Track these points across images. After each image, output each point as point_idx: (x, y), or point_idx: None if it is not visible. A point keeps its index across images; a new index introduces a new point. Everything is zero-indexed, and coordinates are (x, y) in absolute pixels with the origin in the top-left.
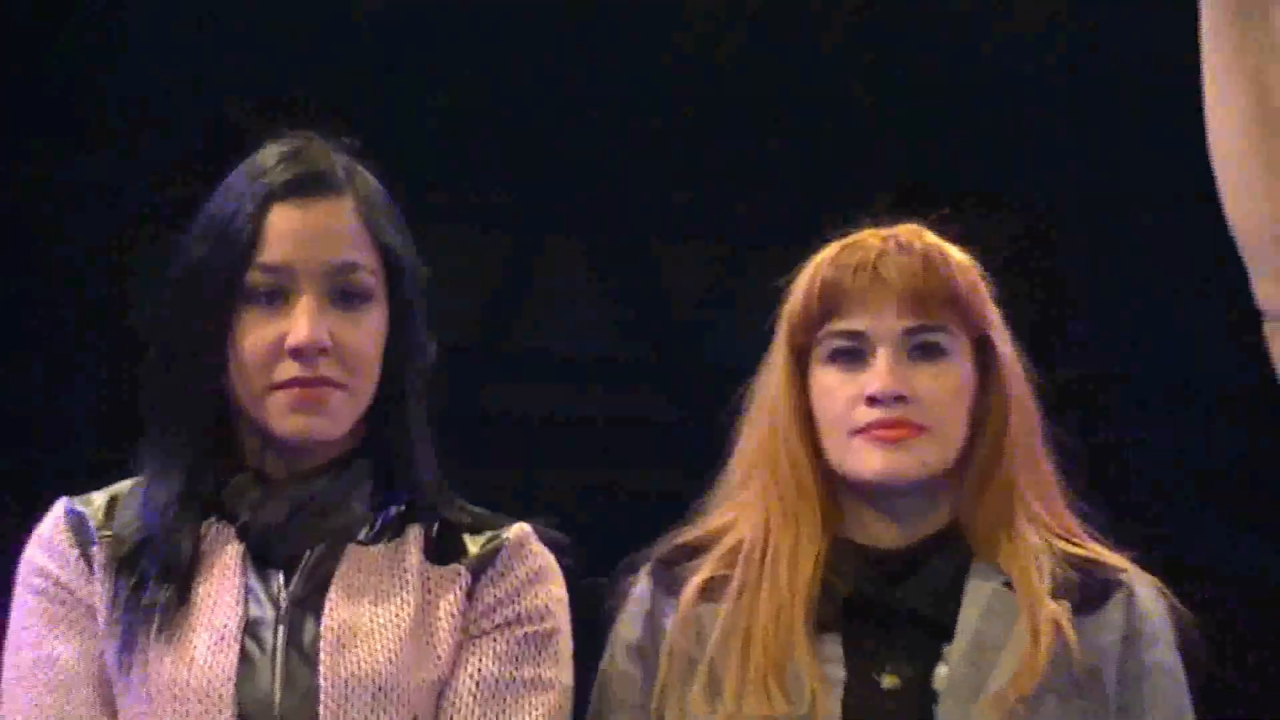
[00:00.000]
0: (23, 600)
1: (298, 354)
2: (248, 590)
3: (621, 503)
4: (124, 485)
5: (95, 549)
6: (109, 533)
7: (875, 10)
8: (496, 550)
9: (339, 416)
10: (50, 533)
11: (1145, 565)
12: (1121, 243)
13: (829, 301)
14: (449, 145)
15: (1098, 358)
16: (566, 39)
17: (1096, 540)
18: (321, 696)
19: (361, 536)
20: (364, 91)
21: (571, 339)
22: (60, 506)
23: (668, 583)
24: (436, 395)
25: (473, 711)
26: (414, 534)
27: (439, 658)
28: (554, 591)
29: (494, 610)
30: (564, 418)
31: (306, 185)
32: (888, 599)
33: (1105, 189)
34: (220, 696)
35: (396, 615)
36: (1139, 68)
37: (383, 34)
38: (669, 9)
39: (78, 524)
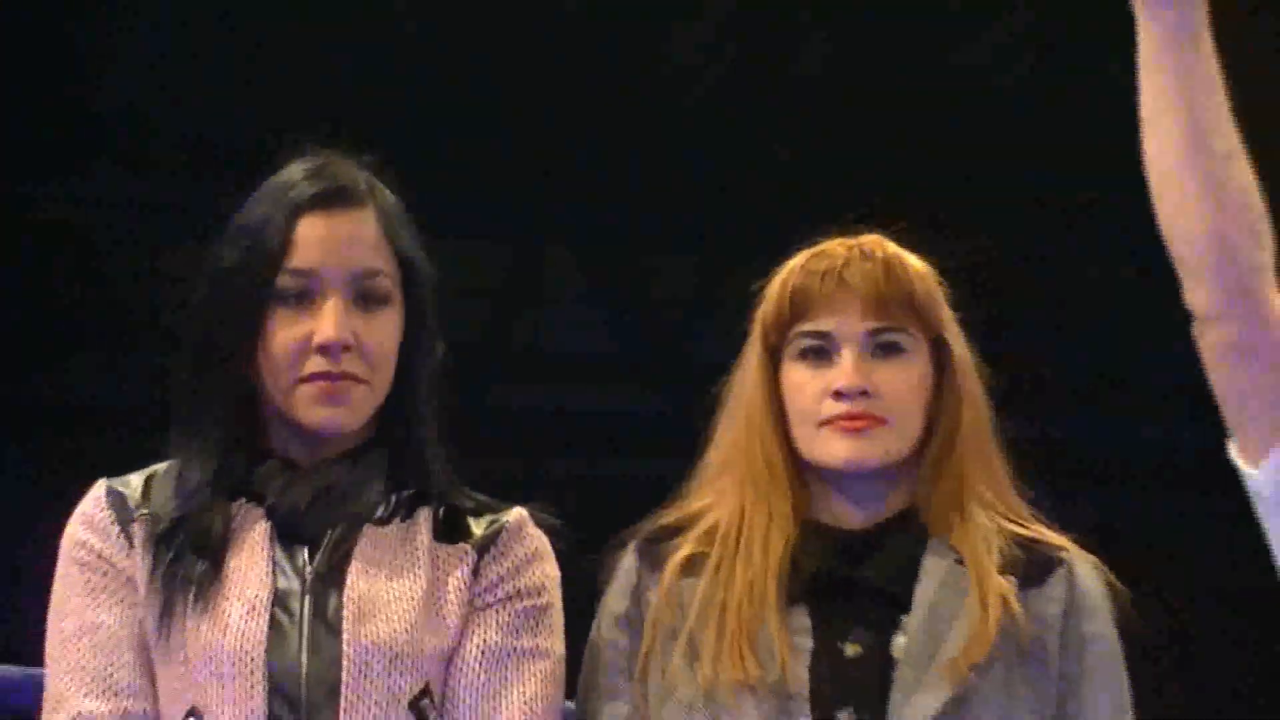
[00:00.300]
0: (66, 573)
1: (324, 350)
2: (275, 565)
3: (612, 489)
4: (159, 468)
5: (134, 525)
6: (146, 511)
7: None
8: (498, 532)
9: (360, 408)
10: (92, 510)
11: (1084, 545)
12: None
13: (799, 304)
14: (459, 165)
15: (1046, 356)
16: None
17: (1040, 522)
18: (344, 662)
19: (377, 518)
20: (383, 113)
21: (568, 341)
22: (101, 487)
23: (652, 559)
24: (447, 392)
25: (479, 676)
26: (424, 516)
27: (448, 628)
28: (548, 570)
29: (496, 586)
30: (563, 412)
31: (332, 198)
32: (851, 575)
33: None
34: (253, 660)
35: (410, 589)
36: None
37: (403, 57)
38: (656, 45)
39: (118, 502)
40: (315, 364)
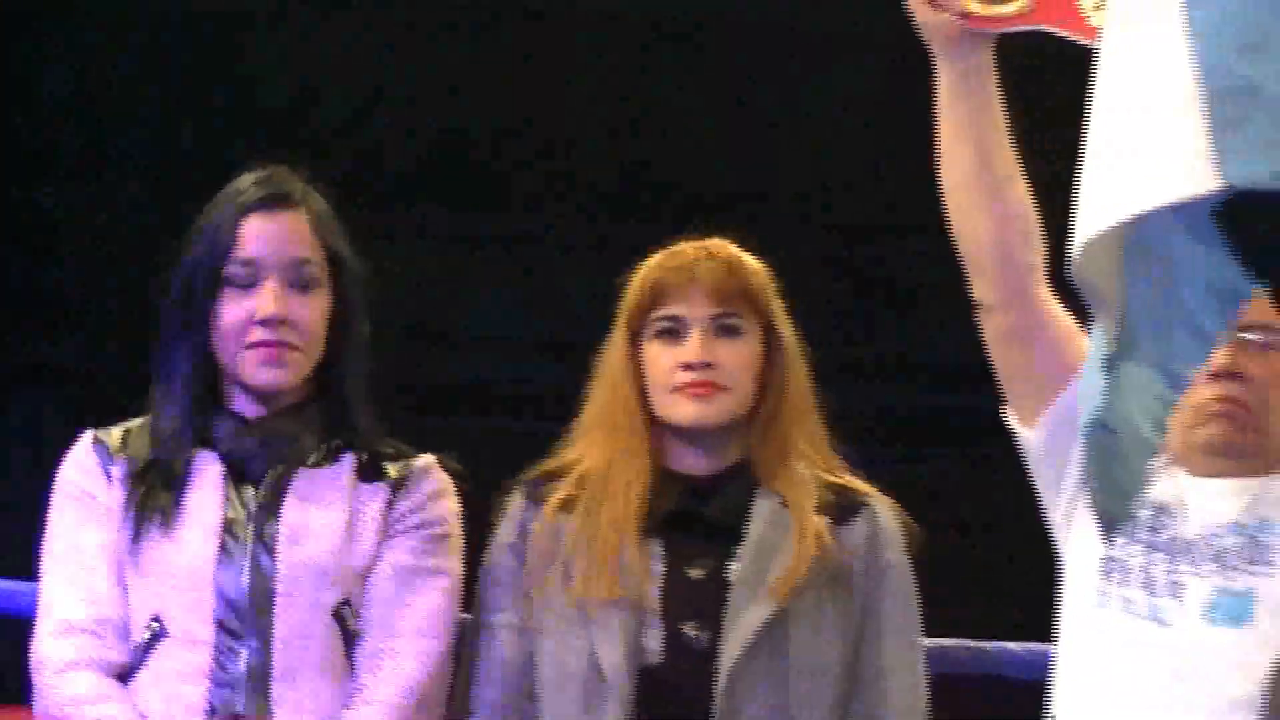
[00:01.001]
0: (58, 506)
1: (264, 323)
2: (226, 499)
3: (516, 447)
4: (135, 422)
5: (114, 467)
6: (124, 455)
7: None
8: (409, 473)
9: (294, 370)
10: (81, 455)
11: (885, 492)
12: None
13: (656, 294)
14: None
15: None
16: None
17: (849, 473)
18: (279, 577)
19: (310, 461)
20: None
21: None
22: (88, 436)
23: (535, 499)
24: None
25: (390, 590)
26: (349, 460)
27: (366, 551)
28: (450, 505)
29: (406, 516)
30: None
31: (272, 201)
32: (696, 513)
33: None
34: (204, 575)
35: (335, 519)
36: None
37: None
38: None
39: (101, 449)
40: (257, 334)
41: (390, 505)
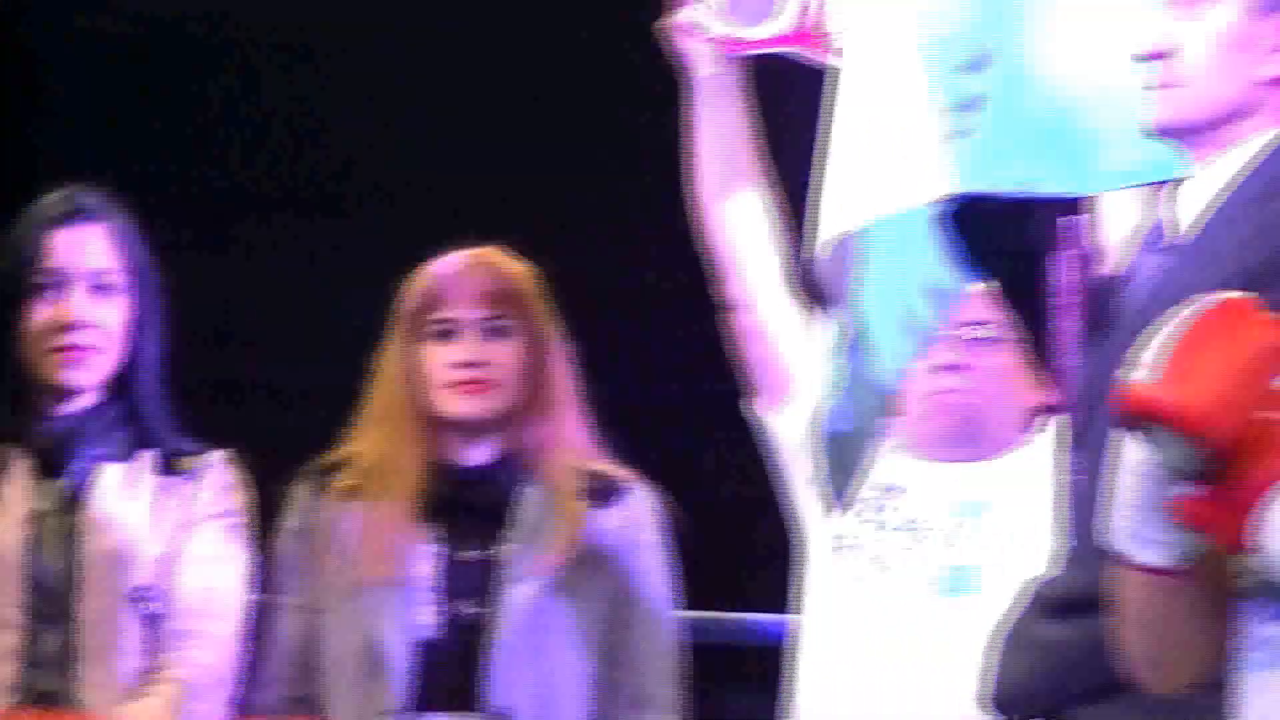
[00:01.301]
0: None
1: (66, 328)
2: (36, 491)
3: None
4: None
5: None
6: None
7: None
8: (205, 467)
9: (95, 371)
10: None
11: (643, 478)
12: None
13: (431, 299)
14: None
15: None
16: None
17: (613, 463)
18: (83, 565)
19: (114, 455)
20: None
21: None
22: None
23: (320, 488)
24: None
25: (187, 576)
26: (149, 456)
27: (164, 540)
28: (240, 497)
29: (201, 508)
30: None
31: (74, 215)
32: (468, 499)
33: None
34: (13, 565)
35: (136, 509)
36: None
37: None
38: None
39: None
40: (61, 339)
41: (187, 497)
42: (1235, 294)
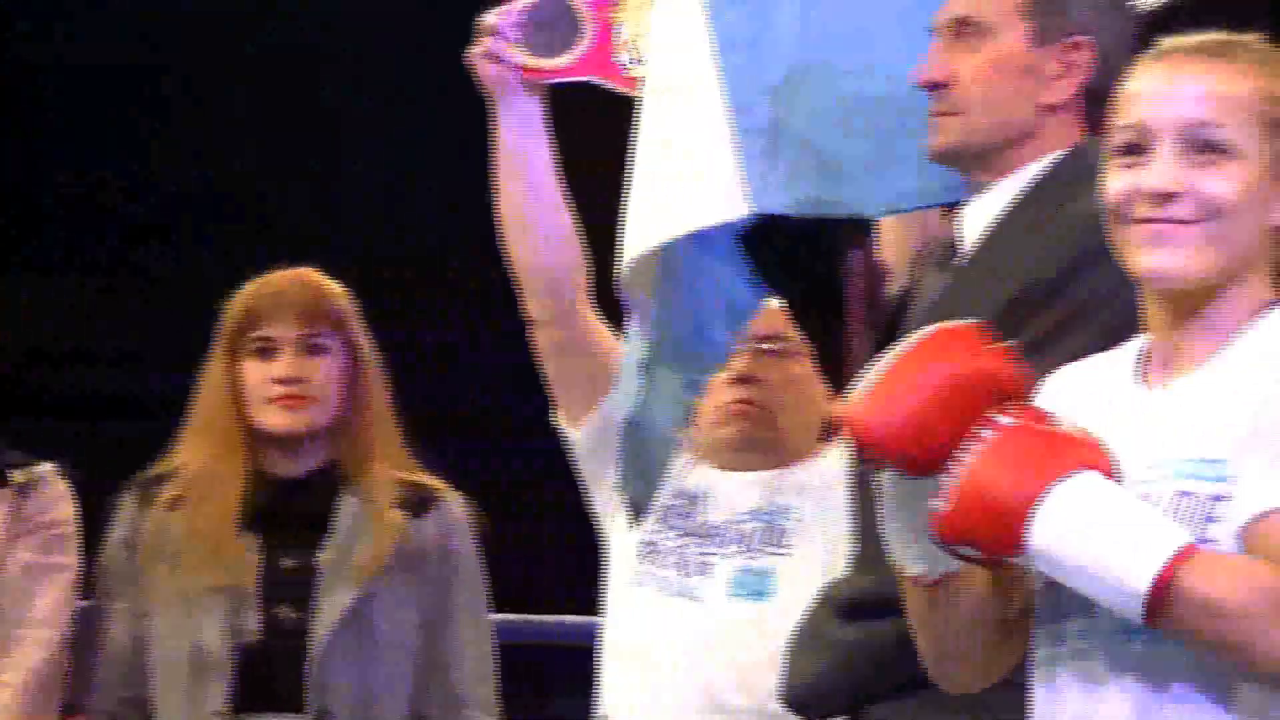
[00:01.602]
0: None
1: None
2: None
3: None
4: None
5: None
6: None
7: None
8: (34, 481)
9: None
10: None
11: (456, 488)
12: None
13: (251, 318)
14: None
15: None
16: None
17: (425, 472)
18: None
19: None
20: None
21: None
22: None
23: (146, 499)
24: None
25: (20, 583)
26: None
27: None
28: (68, 508)
29: (29, 519)
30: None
31: None
32: (288, 509)
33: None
34: None
35: None
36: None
37: None
38: None
39: None
40: None
41: (15, 509)
42: (958, 322)
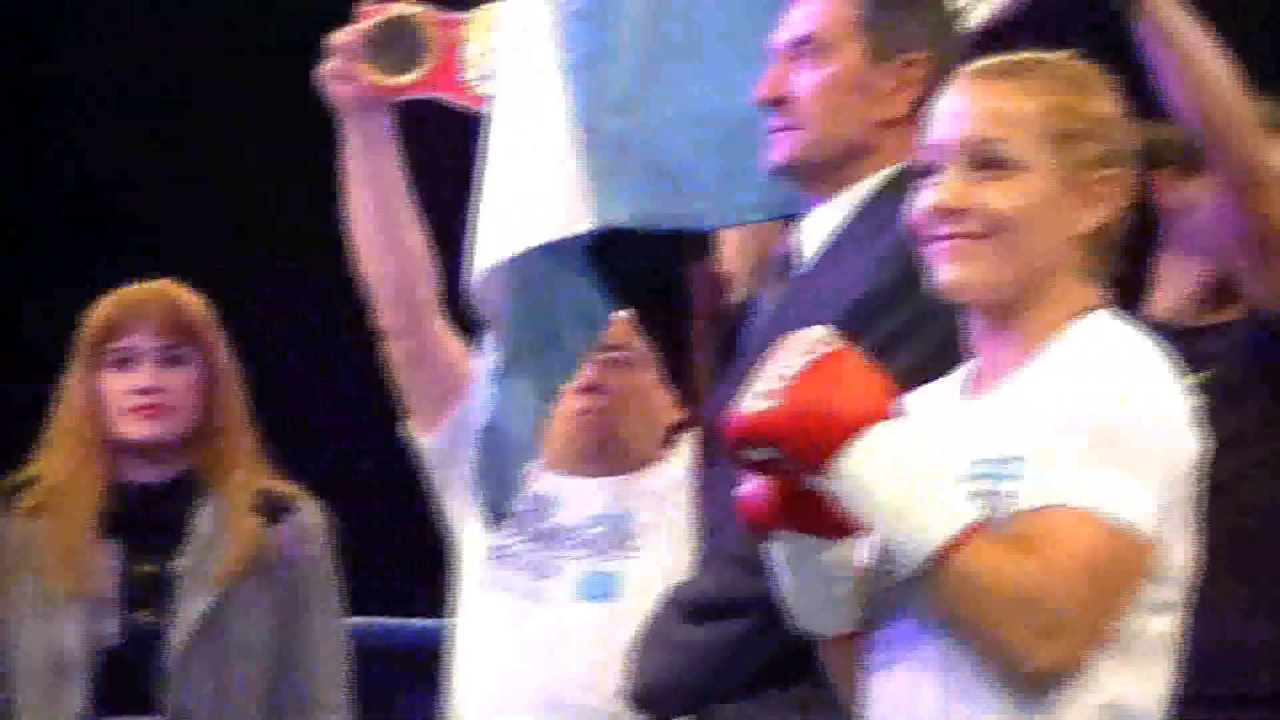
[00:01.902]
0: None
1: None
2: None
3: None
4: None
5: None
6: None
7: None
8: None
9: None
10: None
11: (311, 494)
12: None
13: (111, 329)
14: None
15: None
16: None
17: (283, 481)
18: None
19: None
20: None
21: None
22: None
23: (5, 506)
24: None
25: None
26: None
27: None
28: None
29: None
30: None
31: None
32: (146, 516)
33: None
34: None
35: None
36: None
37: None
38: None
39: None
40: None
41: None
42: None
